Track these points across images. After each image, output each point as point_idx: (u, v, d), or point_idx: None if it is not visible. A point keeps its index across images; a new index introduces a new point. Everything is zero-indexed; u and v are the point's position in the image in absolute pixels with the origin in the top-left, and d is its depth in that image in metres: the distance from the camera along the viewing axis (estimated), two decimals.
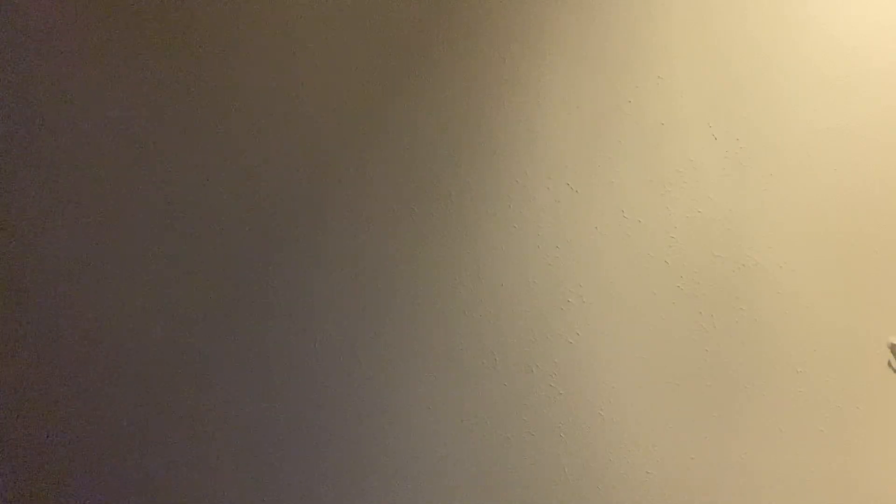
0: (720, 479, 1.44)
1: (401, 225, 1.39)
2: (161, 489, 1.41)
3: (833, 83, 1.39)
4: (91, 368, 1.37)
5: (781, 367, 1.42)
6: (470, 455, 1.42)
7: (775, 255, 1.41)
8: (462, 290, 1.41)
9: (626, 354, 1.43)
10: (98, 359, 1.37)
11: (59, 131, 1.32)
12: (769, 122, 1.39)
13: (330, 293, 1.40)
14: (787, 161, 1.40)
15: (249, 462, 1.41)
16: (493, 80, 1.38)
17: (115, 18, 1.31)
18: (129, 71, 1.32)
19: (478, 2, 1.37)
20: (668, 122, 1.39)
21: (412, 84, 1.37)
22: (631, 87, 1.38)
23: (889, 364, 1.39)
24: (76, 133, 1.33)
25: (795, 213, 1.40)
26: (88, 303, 1.36)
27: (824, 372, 1.41)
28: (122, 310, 1.37)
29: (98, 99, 1.32)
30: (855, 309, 1.41)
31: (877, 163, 1.40)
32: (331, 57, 1.36)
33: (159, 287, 1.37)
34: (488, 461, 1.42)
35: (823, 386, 1.42)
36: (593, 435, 1.44)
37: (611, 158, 1.40)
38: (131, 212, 1.35)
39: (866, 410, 1.41)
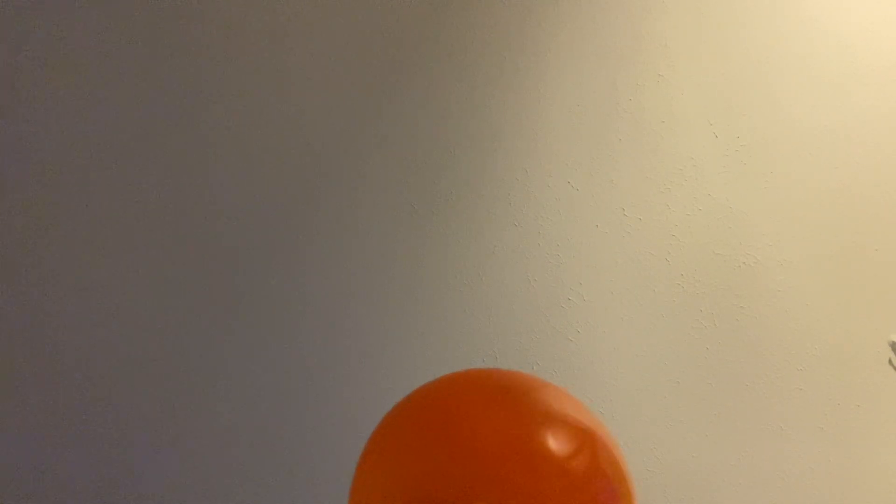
0: (720, 477, 1.44)
1: (401, 223, 1.39)
2: (159, 489, 1.41)
3: (833, 81, 1.39)
4: (87, 369, 1.37)
5: (782, 364, 1.42)
6: None
7: (776, 252, 1.41)
8: (462, 288, 1.41)
9: (627, 352, 1.43)
10: (93, 360, 1.36)
11: (57, 129, 1.32)
12: (770, 119, 1.39)
13: (328, 292, 1.39)
14: (788, 159, 1.40)
15: (245, 463, 1.41)
16: (494, 78, 1.38)
17: (108, 17, 1.31)
18: (124, 71, 1.31)
19: None
20: (669, 119, 1.39)
21: (411, 81, 1.37)
22: (632, 85, 1.38)
23: (889, 362, 1.39)
24: (73, 131, 1.32)
25: (796, 211, 1.40)
26: (86, 303, 1.35)
27: (824, 370, 1.42)
28: (119, 310, 1.36)
29: (93, 97, 1.32)
30: (855, 307, 1.41)
31: (877, 161, 1.40)
32: (329, 54, 1.35)
33: (155, 288, 1.36)
34: None
35: (824, 384, 1.42)
36: None
37: (611, 156, 1.39)
38: (128, 212, 1.34)
39: (867, 408, 1.41)
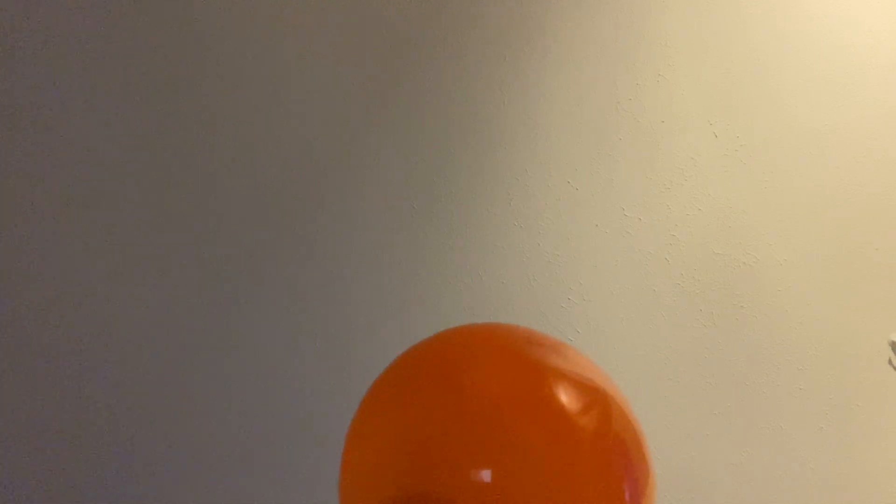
0: (720, 477, 1.44)
1: (401, 222, 1.39)
2: (157, 488, 1.41)
3: (833, 81, 1.39)
4: (87, 367, 1.37)
5: (781, 364, 1.42)
6: None
7: (775, 252, 1.41)
8: (462, 288, 1.41)
9: (626, 352, 1.43)
10: (93, 358, 1.36)
11: (57, 128, 1.32)
12: (770, 119, 1.39)
13: (327, 291, 1.39)
14: (788, 158, 1.40)
15: (244, 461, 1.41)
16: (494, 77, 1.38)
17: (109, 17, 1.31)
18: (123, 72, 1.31)
19: None
20: (669, 119, 1.39)
21: (412, 81, 1.37)
22: (632, 85, 1.38)
23: (889, 361, 1.39)
24: (73, 130, 1.32)
25: (796, 211, 1.40)
26: (86, 302, 1.35)
27: (824, 369, 1.42)
28: (117, 309, 1.36)
29: (92, 98, 1.32)
30: (855, 306, 1.41)
31: (877, 160, 1.40)
32: (329, 53, 1.35)
33: (154, 286, 1.36)
34: None
35: (823, 383, 1.42)
36: None
37: (611, 156, 1.39)
38: (127, 212, 1.34)
39: (867, 408, 1.41)
